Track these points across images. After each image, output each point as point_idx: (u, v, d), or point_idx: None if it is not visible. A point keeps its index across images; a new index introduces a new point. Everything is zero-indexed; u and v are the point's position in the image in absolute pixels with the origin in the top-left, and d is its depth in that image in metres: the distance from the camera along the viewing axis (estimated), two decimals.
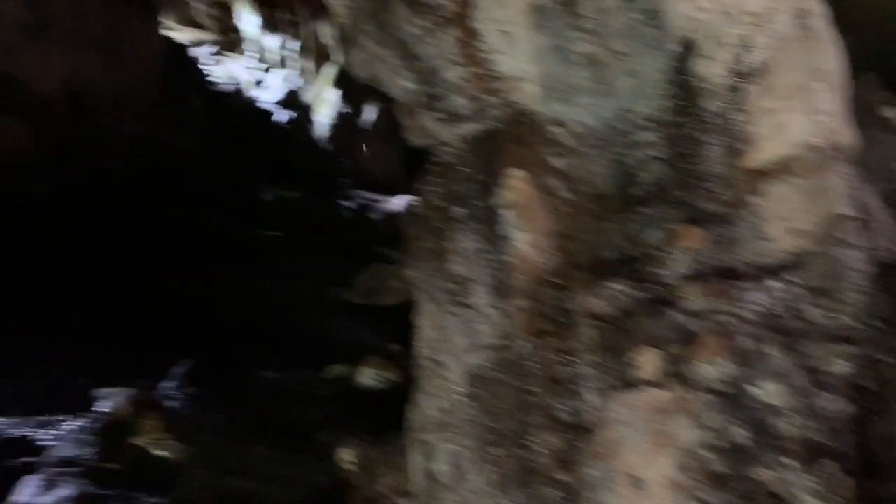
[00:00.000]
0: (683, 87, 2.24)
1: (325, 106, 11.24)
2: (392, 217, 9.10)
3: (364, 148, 10.77)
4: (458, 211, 2.26)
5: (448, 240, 2.23)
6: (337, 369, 4.36)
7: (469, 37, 2.50)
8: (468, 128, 2.46)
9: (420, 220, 2.32)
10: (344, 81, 11.25)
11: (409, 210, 2.58)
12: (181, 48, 10.73)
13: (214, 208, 7.95)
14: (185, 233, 6.81)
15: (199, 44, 14.54)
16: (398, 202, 9.45)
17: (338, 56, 11.44)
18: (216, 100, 10.53)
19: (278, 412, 3.92)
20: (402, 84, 2.52)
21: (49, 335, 4.68)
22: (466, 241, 2.21)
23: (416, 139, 2.49)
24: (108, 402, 3.93)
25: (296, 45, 12.35)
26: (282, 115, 11.31)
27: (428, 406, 2.31)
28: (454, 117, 2.48)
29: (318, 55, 11.90)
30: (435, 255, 2.24)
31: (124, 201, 7.19)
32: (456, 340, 2.22)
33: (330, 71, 11.45)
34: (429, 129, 2.46)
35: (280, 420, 3.80)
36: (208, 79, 11.24)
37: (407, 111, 2.50)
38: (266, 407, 4.00)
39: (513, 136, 2.41)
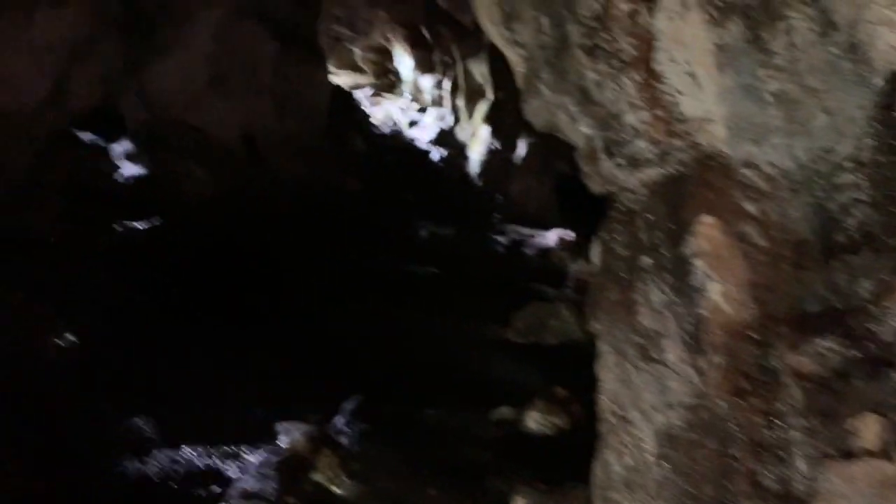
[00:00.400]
0: (889, 125, 2.06)
1: (478, 143, 11.42)
2: (546, 252, 9.05)
3: (516, 183, 10.80)
4: (645, 261, 2.17)
5: (635, 291, 2.15)
6: (502, 411, 4.32)
7: (651, 79, 2.43)
8: (652, 173, 2.38)
9: (605, 271, 2.25)
10: (495, 118, 11.41)
11: (593, 259, 2.51)
12: (344, 92, 11.31)
13: (375, 246, 8.23)
14: (348, 270, 7.06)
15: (357, 87, 15.31)
16: (552, 237, 9.39)
17: (489, 93, 11.63)
18: (376, 140, 10.97)
19: (447, 453, 3.94)
20: (581, 130, 2.49)
21: (229, 367, 4.98)
22: (655, 293, 2.12)
23: (597, 186, 2.43)
24: (287, 436, 4.11)
25: (448, 84, 12.70)
26: (436, 153, 11.61)
27: (614, 463, 2.22)
28: (637, 162, 2.40)
29: (471, 93, 12.15)
30: (621, 307, 2.17)
31: (293, 239, 7.58)
32: (645, 396, 2.12)
33: (482, 108, 11.65)
34: (610, 175, 2.40)
35: (450, 461, 3.81)
36: (369, 120, 11.75)
37: (587, 158, 2.46)
38: (434, 447, 4.03)
39: (701, 181, 2.31)
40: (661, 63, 2.40)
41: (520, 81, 2.70)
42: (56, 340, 5.01)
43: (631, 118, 2.43)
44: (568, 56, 2.52)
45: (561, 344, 5.65)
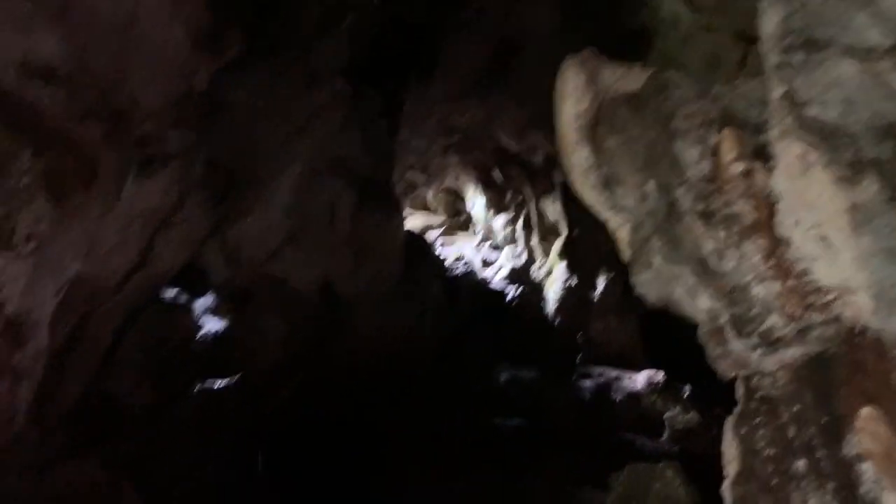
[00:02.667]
0: None
1: (554, 280, 11.19)
2: (635, 396, 8.52)
3: (597, 321, 10.42)
4: (799, 465, 1.83)
5: (790, 502, 1.79)
6: None
7: (776, 246, 2.17)
8: (792, 353, 2.07)
9: (747, 476, 1.91)
10: (571, 254, 11.22)
11: (725, 452, 2.16)
12: (419, 240, 11.39)
13: (456, 398, 7.91)
14: (429, 428, 6.74)
15: (430, 227, 15.50)
16: (640, 379, 8.88)
17: (564, 229, 11.51)
18: (452, 283, 10.88)
19: None
20: (702, 305, 2.22)
21: None
22: None
23: (727, 369, 2.13)
24: None
25: (521, 222, 12.68)
26: (511, 292, 11.41)
27: None
28: (772, 341, 2.10)
29: (544, 231, 12.07)
30: None
31: (371, 398, 7.35)
32: None
33: (557, 245, 11.50)
34: (742, 357, 2.10)
35: None
36: (443, 263, 11.72)
37: (712, 337, 2.17)
38: None
39: (852, 362, 1.98)
40: (787, 227, 2.14)
41: (625, 250, 2.48)
42: None
43: (759, 290, 2.16)
44: (680, 223, 2.29)
45: None
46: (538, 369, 9.14)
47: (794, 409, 1.94)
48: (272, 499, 5.40)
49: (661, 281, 2.29)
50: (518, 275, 11.86)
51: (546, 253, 11.80)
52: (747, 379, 2.08)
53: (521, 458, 6.24)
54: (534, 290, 11.35)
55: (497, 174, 12.68)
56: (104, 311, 5.09)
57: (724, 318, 2.16)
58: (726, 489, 2.04)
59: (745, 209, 2.26)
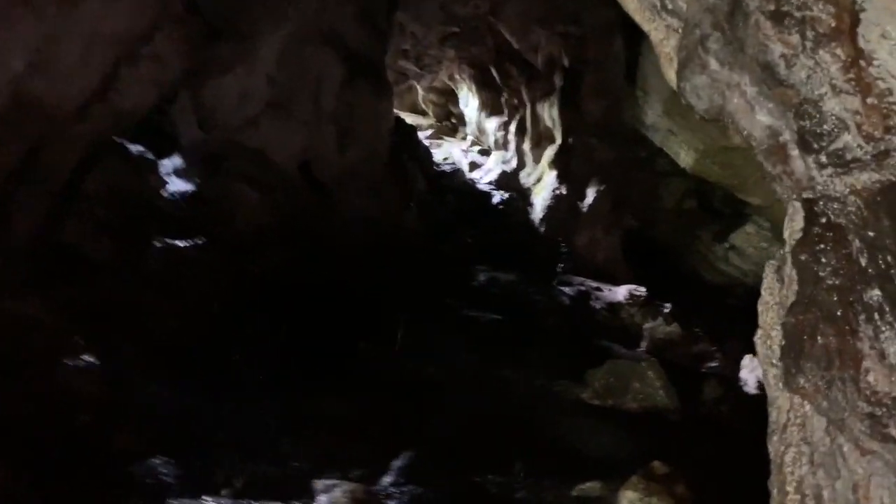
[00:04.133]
0: None
1: (543, 188, 10.83)
2: (615, 307, 8.32)
3: (583, 232, 10.14)
4: (873, 296, 1.51)
5: (861, 338, 1.48)
6: (589, 487, 3.60)
7: (858, 58, 1.80)
8: (867, 178, 1.73)
9: (808, 304, 1.59)
10: (563, 163, 10.83)
11: (776, 286, 1.84)
12: (408, 128, 10.89)
13: (434, 288, 7.64)
14: (406, 311, 6.47)
15: (419, 128, 14.96)
16: (621, 292, 8.66)
17: (558, 137, 11.09)
18: (438, 180, 10.48)
19: None
20: (762, 119, 1.86)
21: (269, 412, 4.37)
22: (893, 343, 1.45)
23: (788, 191, 1.78)
24: (326, 495, 3.46)
25: (514, 127, 12.21)
26: (498, 197, 11.05)
27: None
28: (844, 163, 1.76)
29: (538, 137, 11.64)
30: (839, 359, 1.49)
31: (349, 277, 7.05)
32: (875, 484, 1.44)
33: (549, 152, 11.10)
34: (807, 177, 1.76)
35: None
36: (431, 158, 11.28)
37: (772, 154, 1.82)
38: None
39: None
40: (871, 40, 1.77)
41: (672, 58, 2.09)
42: (82, 363, 4.48)
43: (834, 105, 1.80)
44: (745, 22, 1.90)
45: (645, 410, 4.92)
46: (519, 273, 8.88)
47: (868, 236, 1.61)
48: (231, 366, 5.11)
49: (715, 88, 1.93)
50: (506, 180, 11.47)
51: (537, 160, 11.40)
52: (810, 202, 1.75)
53: (499, 351, 6.01)
54: (521, 197, 11.00)
55: (495, 73, 12.10)
56: (61, 143, 4.64)
57: (787, 134, 1.81)
58: (778, 321, 1.72)
59: (824, 14, 1.86)
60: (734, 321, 9.55)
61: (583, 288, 8.63)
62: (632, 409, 4.91)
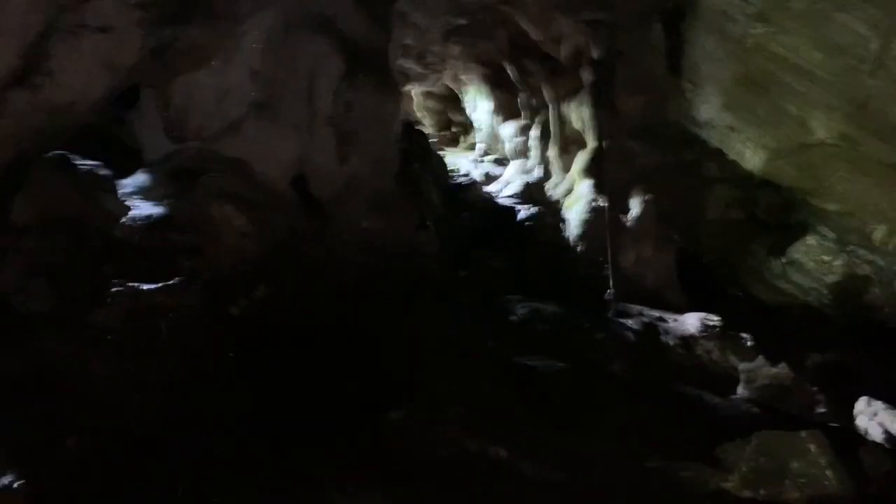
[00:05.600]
0: None
1: (577, 201, 9.55)
2: (688, 342, 7.02)
3: (629, 251, 8.86)
4: None
5: None
6: None
7: None
8: None
9: None
10: (598, 170, 9.58)
11: None
12: (418, 132, 9.54)
13: (466, 327, 6.33)
14: (439, 358, 5.18)
15: None
16: (692, 322, 7.37)
17: (591, 141, 9.84)
18: (453, 194, 9.15)
19: None
20: None
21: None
22: None
23: None
24: None
25: (537, 132, 10.93)
26: (524, 212, 9.74)
27: None
28: None
29: (564, 142, 10.38)
30: None
31: (359, 317, 5.74)
32: None
33: (581, 159, 9.84)
34: None
35: None
36: (446, 168, 9.95)
37: None
38: None
39: None
40: None
41: None
42: None
43: None
44: None
45: (811, 501, 3.59)
46: (562, 303, 7.57)
47: None
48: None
49: None
50: (530, 192, 10.16)
51: (566, 168, 10.13)
52: None
53: (570, 411, 4.68)
54: (550, 211, 9.69)
55: (510, 70, 10.84)
56: None
57: None
58: None
59: None
60: (809, 349, 8.35)
61: (645, 319, 7.33)
62: (792, 499, 3.59)
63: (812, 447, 3.73)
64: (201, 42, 5.93)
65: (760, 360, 6.00)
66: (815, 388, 6.36)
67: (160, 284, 4.64)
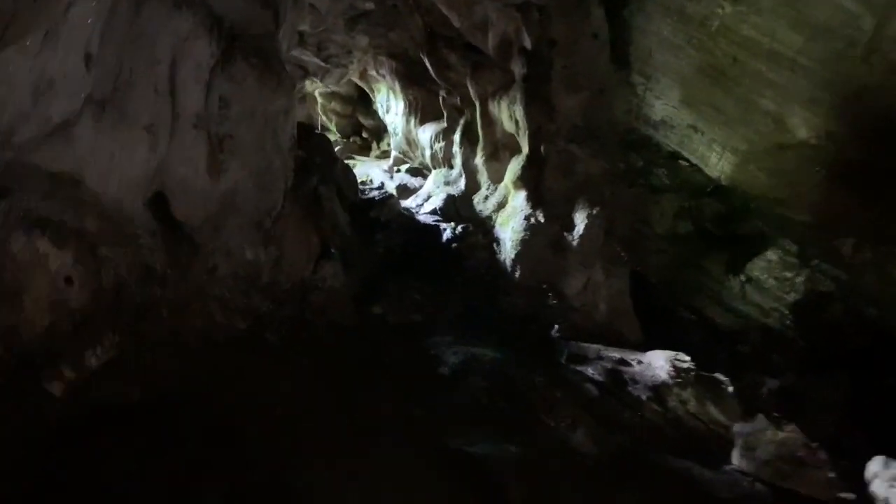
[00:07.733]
0: None
1: (511, 216, 8.31)
2: (660, 393, 5.83)
3: (574, 275, 7.67)
4: None
5: None
6: None
7: None
8: None
9: None
10: (533, 180, 8.37)
11: None
12: (319, 136, 8.05)
13: (382, 389, 4.98)
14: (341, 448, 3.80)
15: None
16: (659, 364, 6.19)
17: (525, 145, 8.62)
18: (361, 212, 7.75)
19: None
20: None
21: None
22: None
23: None
24: None
25: (458, 136, 9.64)
26: (449, 232, 8.42)
27: None
28: None
29: (492, 147, 9.14)
30: None
31: (235, 387, 4.33)
32: None
33: (514, 167, 8.60)
34: None
35: None
36: (351, 178, 8.51)
37: None
38: None
39: None
40: None
41: None
42: None
43: None
44: None
45: None
46: (501, 346, 6.31)
47: None
48: None
49: None
50: (456, 207, 8.86)
51: (496, 178, 8.88)
52: None
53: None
54: (481, 229, 8.41)
55: (427, 64, 9.53)
56: None
57: None
58: None
59: None
60: (783, 391, 7.40)
61: (606, 364, 6.10)
62: None
63: None
64: (12, 15, 4.35)
65: (761, 420, 4.85)
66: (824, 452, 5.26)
67: None
